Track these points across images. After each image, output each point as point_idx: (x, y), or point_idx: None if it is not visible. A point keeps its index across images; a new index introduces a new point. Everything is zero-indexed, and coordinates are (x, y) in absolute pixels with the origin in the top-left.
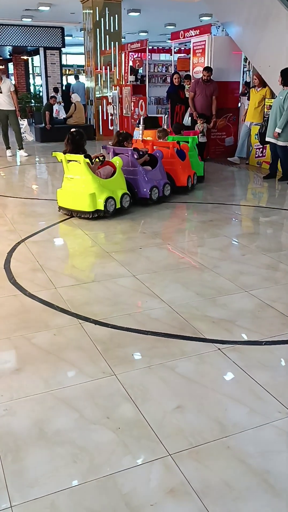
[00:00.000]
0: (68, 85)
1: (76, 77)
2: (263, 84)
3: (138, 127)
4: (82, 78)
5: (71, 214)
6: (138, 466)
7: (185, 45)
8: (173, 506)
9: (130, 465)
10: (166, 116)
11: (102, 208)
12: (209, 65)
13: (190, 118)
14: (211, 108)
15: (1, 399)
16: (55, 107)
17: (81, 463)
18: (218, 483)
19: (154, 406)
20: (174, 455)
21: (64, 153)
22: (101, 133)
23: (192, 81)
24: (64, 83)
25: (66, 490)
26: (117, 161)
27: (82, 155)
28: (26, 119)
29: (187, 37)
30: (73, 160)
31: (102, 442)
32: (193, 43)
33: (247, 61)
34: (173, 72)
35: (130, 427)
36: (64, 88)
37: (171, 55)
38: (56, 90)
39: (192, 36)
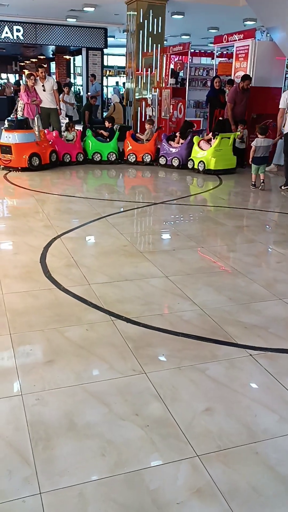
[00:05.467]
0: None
1: (94, 77)
2: None
3: None
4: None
5: (219, 173)
6: (166, 464)
7: (227, 49)
8: (199, 506)
9: (157, 462)
10: (204, 120)
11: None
12: (251, 70)
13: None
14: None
15: (33, 388)
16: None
17: (109, 456)
18: (245, 487)
19: (183, 407)
20: (202, 456)
21: (219, 133)
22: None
23: (229, 89)
24: (105, 84)
25: (94, 482)
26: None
27: (234, 133)
28: (66, 118)
29: (230, 41)
30: (226, 137)
31: (131, 438)
32: (236, 47)
33: None
34: (214, 76)
35: (159, 425)
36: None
37: (212, 59)
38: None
39: (236, 40)
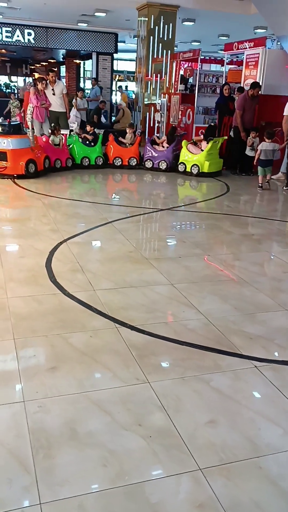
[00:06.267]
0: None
1: (96, 80)
2: None
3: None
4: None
5: (212, 175)
6: (168, 477)
7: (237, 57)
8: None
9: (159, 475)
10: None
11: None
12: (261, 78)
13: (233, 131)
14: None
15: (35, 395)
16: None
17: (110, 467)
18: (248, 502)
19: (187, 418)
20: (204, 469)
21: (212, 138)
22: (146, 140)
23: (238, 96)
24: (114, 88)
25: (94, 493)
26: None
27: (222, 137)
28: (76, 122)
29: (240, 48)
30: (217, 141)
31: (133, 449)
32: (247, 55)
33: None
34: (223, 83)
35: (161, 436)
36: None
37: (222, 66)
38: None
39: (246, 48)
